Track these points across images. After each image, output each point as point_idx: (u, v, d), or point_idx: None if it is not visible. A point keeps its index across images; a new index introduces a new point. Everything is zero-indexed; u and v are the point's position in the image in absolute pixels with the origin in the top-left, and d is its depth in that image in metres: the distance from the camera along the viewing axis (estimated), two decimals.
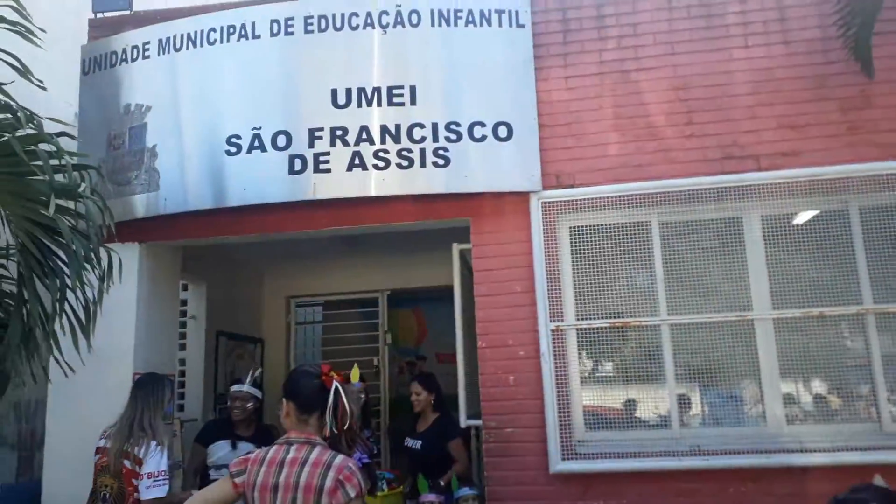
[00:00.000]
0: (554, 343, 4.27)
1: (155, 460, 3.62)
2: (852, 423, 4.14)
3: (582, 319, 4.37)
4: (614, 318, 4.34)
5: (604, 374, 4.39)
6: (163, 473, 3.62)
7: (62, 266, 3.18)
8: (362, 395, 4.89)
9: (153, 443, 3.66)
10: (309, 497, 2.32)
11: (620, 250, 4.40)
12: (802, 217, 4.36)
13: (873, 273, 4.19)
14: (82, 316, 2.95)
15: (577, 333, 4.37)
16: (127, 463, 3.62)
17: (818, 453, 3.98)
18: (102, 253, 3.20)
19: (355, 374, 4.76)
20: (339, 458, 2.41)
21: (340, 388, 2.49)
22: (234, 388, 4.63)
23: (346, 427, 2.47)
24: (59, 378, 3.89)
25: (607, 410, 4.38)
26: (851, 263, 4.22)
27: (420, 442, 4.66)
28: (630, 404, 4.39)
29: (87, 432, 4.06)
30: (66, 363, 3.06)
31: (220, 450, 4.47)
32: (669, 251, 4.40)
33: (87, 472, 3.85)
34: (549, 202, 4.43)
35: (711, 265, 4.37)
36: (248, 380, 4.64)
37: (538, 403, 4.24)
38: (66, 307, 3.08)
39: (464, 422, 4.57)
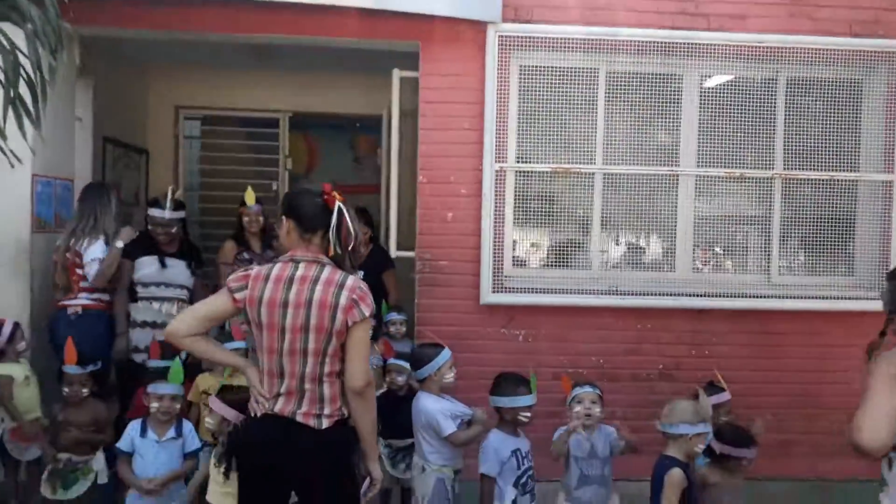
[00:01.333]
0: (496, 183, 4.30)
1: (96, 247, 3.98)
2: (746, 273, 4.64)
3: (522, 162, 4.41)
4: (554, 163, 4.41)
5: (536, 217, 4.52)
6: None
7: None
8: (261, 219, 4.71)
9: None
10: (324, 313, 2.27)
11: (566, 96, 4.39)
12: (736, 81, 4.55)
13: (787, 141, 4.53)
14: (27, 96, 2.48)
15: (517, 175, 4.41)
16: (68, 255, 4.00)
17: (715, 298, 4.45)
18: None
19: (250, 196, 4.66)
20: (351, 278, 2.37)
21: (343, 208, 2.38)
22: (156, 212, 4.27)
23: (350, 248, 2.39)
24: None
25: (535, 250, 4.58)
26: (771, 130, 4.52)
27: (361, 273, 4.57)
28: (557, 246, 4.61)
29: None
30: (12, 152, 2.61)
31: (146, 266, 4.19)
32: (612, 101, 4.46)
33: None
34: (506, 36, 4.26)
35: (649, 119, 4.51)
36: (169, 204, 4.27)
37: (475, 240, 4.33)
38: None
39: (394, 252, 4.61)
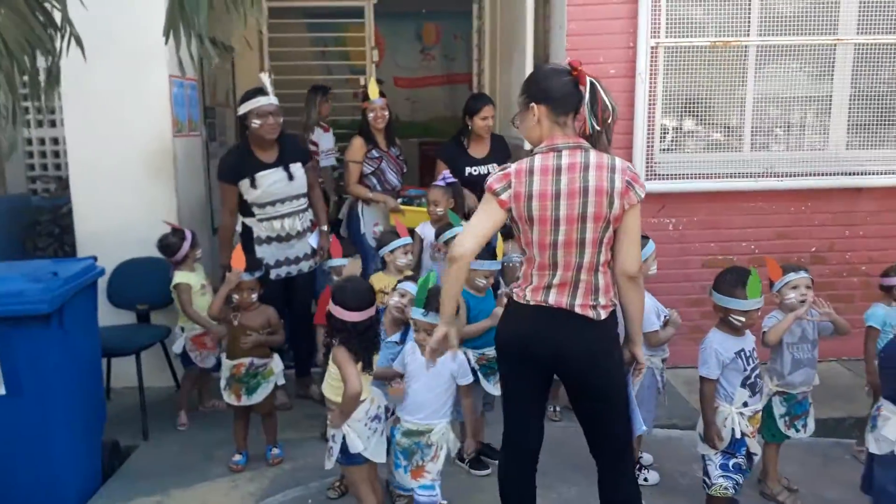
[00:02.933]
0: (650, 61, 4.03)
1: None
2: None
3: (674, 37, 4.10)
4: (708, 36, 4.11)
5: (686, 96, 4.25)
6: None
7: None
8: (386, 113, 4.44)
9: None
10: (601, 199, 2.13)
11: None
12: None
13: None
14: None
15: (666, 52, 4.12)
16: None
17: (869, 176, 4.24)
18: None
19: (373, 89, 4.38)
20: (618, 159, 2.20)
21: (596, 82, 2.19)
22: (262, 101, 3.67)
23: (608, 123, 2.22)
24: None
25: (686, 132, 4.35)
26: None
27: (487, 167, 4.35)
28: (707, 126, 4.37)
29: None
30: None
31: (264, 183, 3.72)
32: None
33: None
34: None
35: None
36: (271, 89, 3.77)
37: (626, 124, 4.11)
38: None
39: (527, 145, 4.38)
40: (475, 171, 4.28)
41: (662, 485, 3.12)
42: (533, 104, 2.21)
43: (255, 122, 3.65)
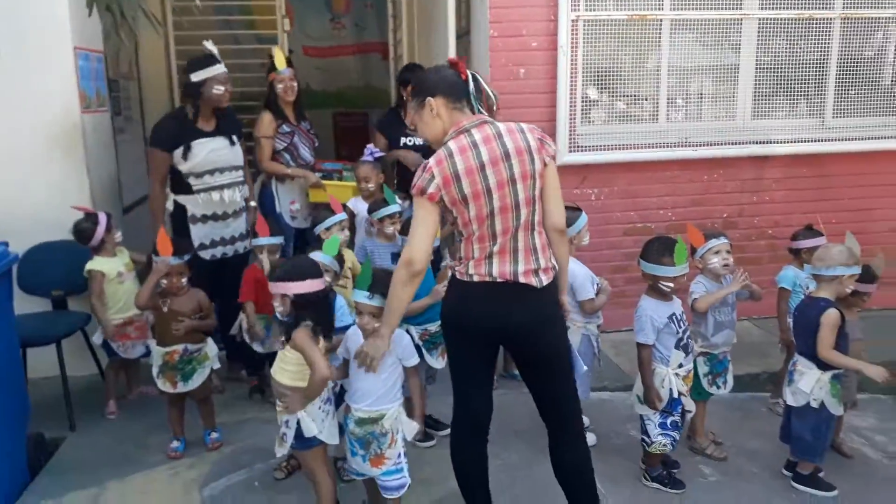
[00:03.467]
0: (571, 35, 4.11)
1: None
2: (801, 118, 4.68)
3: (591, 10, 4.19)
4: (623, 9, 4.22)
5: (603, 69, 4.37)
6: None
7: None
8: (295, 84, 4.31)
9: None
10: (523, 158, 2.23)
11: None
12: None
13: None
14: None
15: (585, 25, 4.21)
16: None
17: (775, 144, 4.52)
18: None
19: (280, 58, 4.26)
20: (519, 123, 2.32)
21: (477, 75, 2.34)
22: (217, 70, 3.61)
23: (493, 111, 2.37)
24: None
25: (604, 105, 4.48)
26: None
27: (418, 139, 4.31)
28: (624, 99, 4.51)
29: None
30: None
31: (199, 152, 3.61)
32: None
33: None
34: None
35: None
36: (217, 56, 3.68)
37: (550, 97, 4.20)
38: None
39: None
40: (411, 141, 4.28)
41: (599, 446, 3.25)
42: (428, 98, 2.28)
43: (217, 89, 3.59)
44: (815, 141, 4.58)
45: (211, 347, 3.26)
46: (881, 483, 3.11)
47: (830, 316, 2.77)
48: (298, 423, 2.46)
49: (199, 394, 3.22)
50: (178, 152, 3.57)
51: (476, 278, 2.29)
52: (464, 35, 4.71)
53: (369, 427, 2.52)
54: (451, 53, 4.33)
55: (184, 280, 3.17)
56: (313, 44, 9.19)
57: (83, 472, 3.05)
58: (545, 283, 2.31)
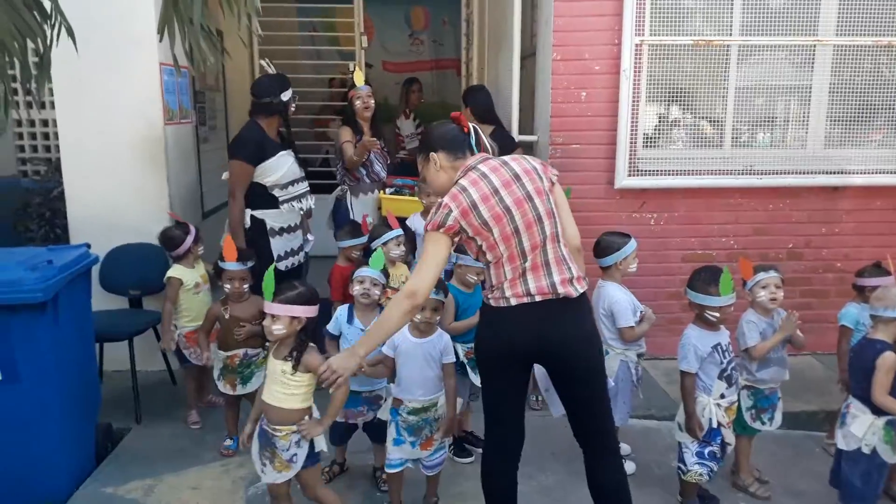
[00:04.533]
0: (634, 59, 4.10)
1: None
2: (882, 149, 4.50)
3: (658, 35, 4.17)
4: (689, 34, 4.18)
5: (668, 93, 4.34)
6: None
7: None
8: (371, 101, 4.46)
9: None
10: (533, 177, 2.35)
11: None
12: None
13: None
14: None
15: (650, 50, 4.19)
16: None
17: (847, 175, 4.36)
18: None
19: (359, 77, 4.42)
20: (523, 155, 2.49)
21: (477, 128, 2.46)
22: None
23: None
24: None
25: (667, 129, 4.44)
26: None
27: None
28: (689, 123, 4.46)
29: None
30: None
31: (282, 164, 3.75)
32: None
33: None
34: None
35: None
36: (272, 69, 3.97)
37: (610, 121, 4.20)
38: None
39: (517, 137, 4.49)
40: None
41: (638, 474, 3.24)
42: (431, 154, 2.42)
43: (293, 108, 3.89)
44: (892, 173, 4.39)
45: None
46: None
47: (887, 359, 2.67)
48: (312, 441, 2.53)
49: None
50: (265, 165, 3.70)
51: (514, 300, 2.33)
52: (530, 56, 4.78)
53: (423, 414, 2.75)
54: (516, 74, 4.43)
55: (245, 286, 3.33)
56: (392, 59, 9.44)
57: (143, 464, 3.27)
58: (581, 290, 2.37)
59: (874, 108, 4.40)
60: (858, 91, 4.36)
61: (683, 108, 4.43)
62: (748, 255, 4.24)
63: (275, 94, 3.76)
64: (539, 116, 4.51)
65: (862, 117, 4.44)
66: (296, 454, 2.51)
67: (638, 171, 4.29)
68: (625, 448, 3.41)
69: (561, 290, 2.33)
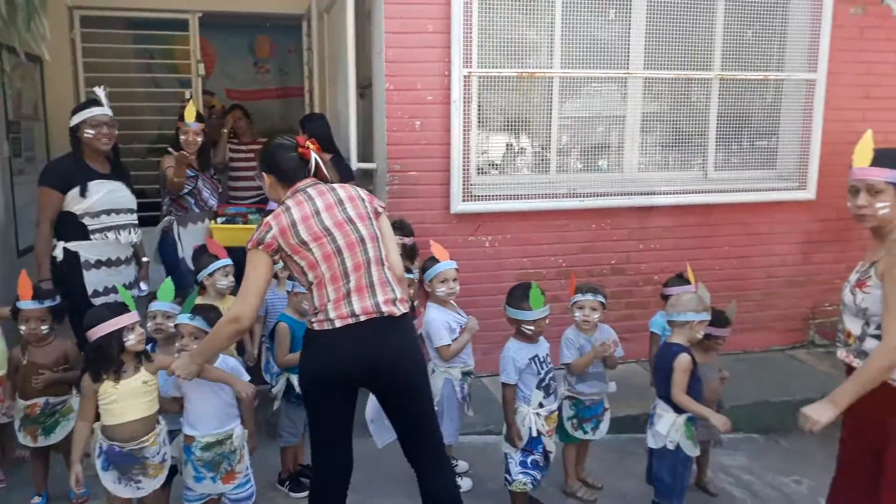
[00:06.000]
0: (463, 90, 4.29)
1: None
2: (684, 170, 4.97)
3: (485, 67, 4.38)
4: (514, 67, 4.43)
5: (496, 122, 4.56)
6: None
7: None
8: (199, 139, 4.39)
9: None
10: (356, 203, 2.45)
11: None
12: None
13: (725, 43, 4.78)
14: None
15: (478, 81, 4.40)
16: None
17: (660, 196, 4.77)
18: None
19: (190, 112, 4.35)
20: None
21: (319, 159, 2.51)
22: (97, 112, 3.61)
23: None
24: None
25: (497, 156, 4.66)
26: (710, 33, 4.74)
27: None
28: (516, 150, 4.71)
29: None
30: None
31: (94, 192, 3.58)
32: (568, 4, 4.48)
33: None
34: None
35: (600, 23, 4.59)
36: (106, 101, 3.71)
37: (444, 149, 4.34)
38: None
39: (355, 165, 4.54)
40: None
41: (475, 490, 3.33)
42: (265, 173, 2.51)
43: (88, 133, 3.58)
44: (698, 192, 4.85)
45: (76, 400, 3.16)
46: None
47: (682, 361, 2.93)
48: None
49: (64, 447, 3.08)
50: (74, 192, 3.54)
51: (339, 322, 2.35)
52: (368, 86, 4.86)
53: (218, 448, 2.67)
54: (352, 103, 4.49)
55: (44, 327, 3.06)
56: (237, 87, 9.27)
57: None
58: (404, 311, 2.44)
59: (681, 135, 4.86)
60: (666, 119, 4.81)
61: (513, 137, 4.68)
62: (576, 272, 4.52)
63: (71, 120, 3.62)
64: (377, 144, 4.58)
65: (670, 143, 4.90)
66: (165, 451, 2.67)
67: (472, 196, 4.45)
68: (462, 465, 3.50)
69: (385, 308, 2.38)
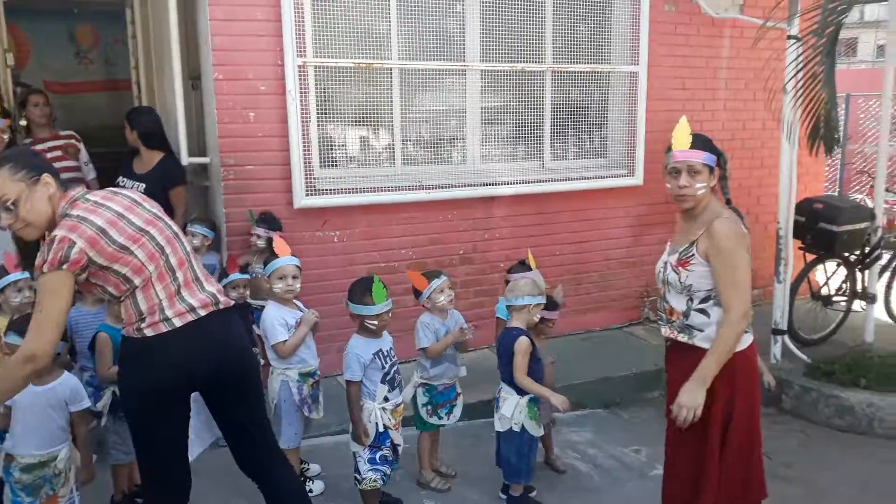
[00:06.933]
0: (299, 80, 4.14)
1: None
2: (524, 161, 5.12)
3: (320, 57, 4.27)
4: (352, 57, 4.35)
5: (338, 114, 4.46)
6: None
7: None
8: (4, 136, 4.02)
9: None
10: (151, 201, 2.35)
11: None
12: None
13: (556, 37, 4.98)
14: None
15: (315, 71, 4.27)
16: None
17: (501, 186, 4.90)
18: None
19: None
20: None
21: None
22: None
23: None
24: None
25: (342, 149, 4.56)
26: (541, 27, 4.91)
27: (143, 185, 4.09)
28: (361, 143, 4.63)
29: None
30: None
31: None
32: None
33: None
34: None
35: (437, 16, 4.61)
36: None
37: (282, 141, 4.19)
38: None
39: (186, 160, 4.27)
40: (125, 183, 4.24)
41: (327, 492, 3.25)
42: (45, 175, 2.19)
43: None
44: (536, 182, 5.02)
45: None
46: (588, 494, 3.41)
47: (522, 343, 3.01)
48: None
49: None
50: None
51: (178, 321, 2.19)
52: (198, 77, 4.59)
53: (40, 471, 2.47)
54: (179, 95, 4.22)
55: None
56: (58, 79, 8.48)
57: None
58: (233, 301, 2.42)
59: (519, 127, 5.00)
60: (505, 111, 4.93)
61: (357, 128, 4.60)
62: (426, 264, 4.54)
63: None
64: (209, 138, 4.34)
65: (509, 135, 5.03)
66: None
67: (316, 190, 4.33)
68: (314, 468, 3.40)
69: (220, 298, 2.30)
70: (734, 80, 5.69)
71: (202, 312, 2.23)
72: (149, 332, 2.18)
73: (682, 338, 2.49)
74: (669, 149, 2.48)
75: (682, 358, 2.47)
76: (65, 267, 2.04)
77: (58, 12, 7.95)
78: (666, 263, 2.54)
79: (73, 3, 7.72)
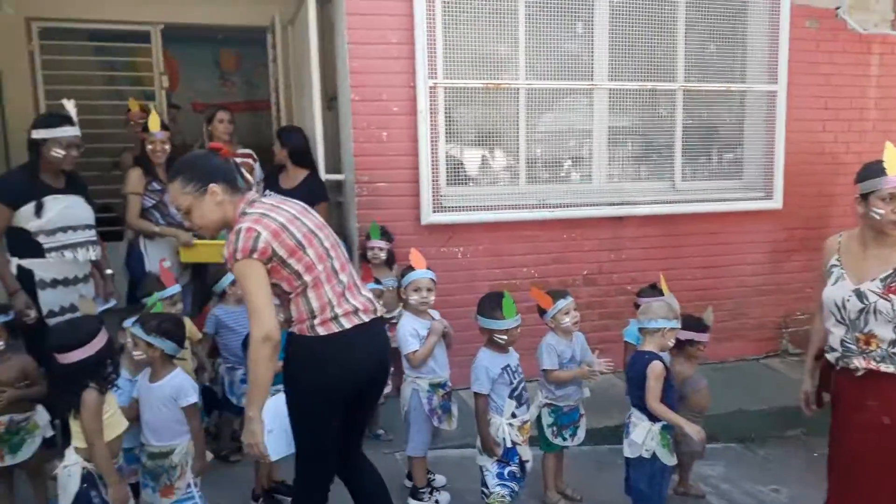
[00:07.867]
0: (429, 101, 4.25)
1: None
2: (653, 181, 4.99)
3: (450, 78, 4.36)
4: (481, 78, 4.42)
5: (465, 133, 4.54)
6: None
7: None
8: (167, 147, 4.31)
9: None
10: (309, 215, 2.43)
11: (487, 11, 4.37)
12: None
13: (688, 55, 4.84)
14: None
15: (445, 92, 4.37)
16: None
17: (629, 206, 4.78)
18: None
19: (154, 121, 4.25)
20: None
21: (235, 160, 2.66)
22: (68, 131, 3.45)
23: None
24: None
25: (467, 167, 4.63)
26: (673, 45, 4.79)
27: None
28: (486, 161, 4.69)
29: None
30: None
31: (49, 209, 3.42)
32: (532, 17, 4.48)
33: None
34: None
35: (565, 35, 4.60)
36: (75, 118, 3.57)
37: (412, 159, 4.30)
38: None
39: (324, 176, 4.48)
40: None
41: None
42: (211, 185, 2.31)
43: (57, 153, 3.42)
44: (667, 202, 4.87)
45: (41, 415, 3.05)
46: None
47: (655, 368, 2.91)
48: None
49: (30, 466, 3.02)
50: (28, 209, 3.39)
51: (346, 321, 2.31)
52: (335, 97, 4.81)
53: (159, 460, 2.66)
54: (318, 115, 4.44)
55: (0, 343, 2.94)
56: (202, 99, 9.15)
57: None
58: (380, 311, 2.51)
59: (648, 146, 4.89)
60: (634, 131, 4.83)
61: (482, 147, 4.66)
62: (548, 283, 4.50)
63: (30, 133, 3.47)
64: (344, 156, 4.53)
65: (638, 154, 4.92)
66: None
67: (442, 207, 4.41)
68: (440, 479, 3.43)
69: (378, 305, 2.45)
70: (884, 98, 5.31)
71: (364, 317, 2.35)
72: (321, 331, 2.28)
73: (887, 368, 2.35)
74: (867, 175, 2.40)
75: (889, 389, 2.36)
76: (255, 255, 2.20)
77: (204, 39, 8.59)
78: (864, 292, 2.38)
79: (218, 30, 8.30)
